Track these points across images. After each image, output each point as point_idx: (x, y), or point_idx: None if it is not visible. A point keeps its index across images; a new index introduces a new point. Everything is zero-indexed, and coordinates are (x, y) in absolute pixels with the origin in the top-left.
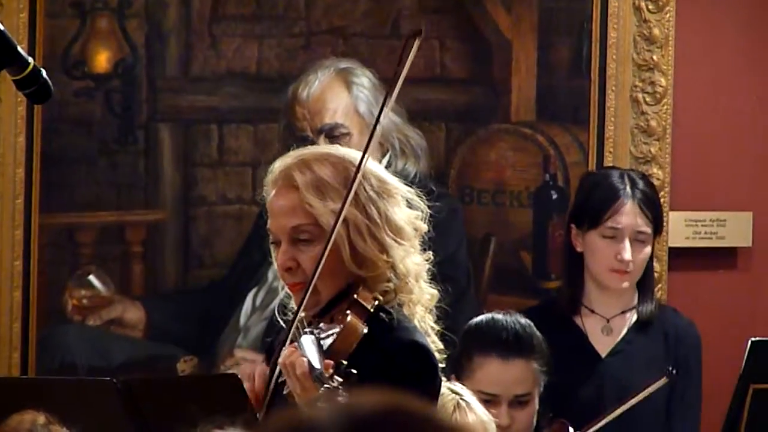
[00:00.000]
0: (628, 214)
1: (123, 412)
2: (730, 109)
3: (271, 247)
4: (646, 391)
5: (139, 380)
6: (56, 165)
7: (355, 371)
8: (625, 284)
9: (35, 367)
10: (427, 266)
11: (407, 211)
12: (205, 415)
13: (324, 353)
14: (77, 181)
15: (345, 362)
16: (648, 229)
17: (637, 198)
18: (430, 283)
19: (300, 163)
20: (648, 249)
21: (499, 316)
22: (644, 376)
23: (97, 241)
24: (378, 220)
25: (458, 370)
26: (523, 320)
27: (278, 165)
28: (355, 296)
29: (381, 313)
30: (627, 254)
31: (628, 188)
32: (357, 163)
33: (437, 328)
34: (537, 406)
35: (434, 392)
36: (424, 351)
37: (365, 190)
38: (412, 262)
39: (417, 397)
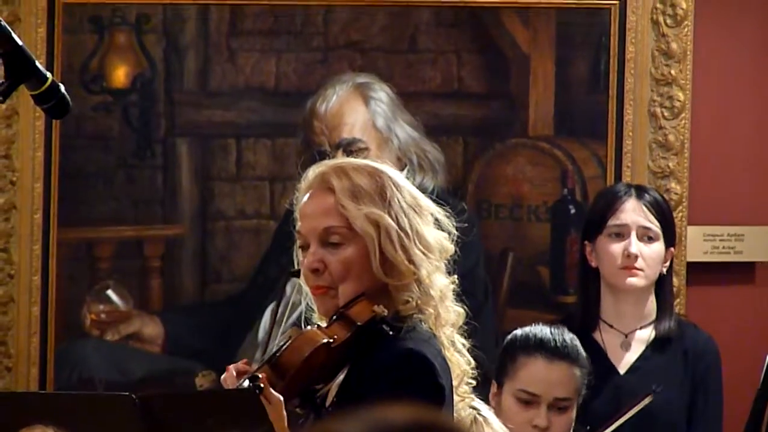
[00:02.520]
0: (631, 211)
1: (141, 426)
2: (748, 124)
3: (299, 252)
4: (631, 411)
5: (157, 395)
6: (74, 179)
7: (261, 386)
8: (636, 281)
9: (53, 382)
10: (453, 287)
11: (436, 231)
12: (223, 429)
13: (272, 363)
14: (95, 195)
15: (260, 375)
16: (655, 227)
17: (642, 198)
18: (455, 302)
19: (337, 169)
20: (658, 247)
21: (546, 325)
22: (662, 394)
23: (116, 256)
24: (408, 231)
25: (500, 371)
26: (570, 334)
27: (313, 171)
28: (342, 309)
29: (384, 326)
30: (633, 247)
31: (632, 190)
32: (392, 175)
33: (467, 344)
34: (574, 418)
35: (429, 399)
36: (418, 358)
37: (398, 201)
38: (439, 280)
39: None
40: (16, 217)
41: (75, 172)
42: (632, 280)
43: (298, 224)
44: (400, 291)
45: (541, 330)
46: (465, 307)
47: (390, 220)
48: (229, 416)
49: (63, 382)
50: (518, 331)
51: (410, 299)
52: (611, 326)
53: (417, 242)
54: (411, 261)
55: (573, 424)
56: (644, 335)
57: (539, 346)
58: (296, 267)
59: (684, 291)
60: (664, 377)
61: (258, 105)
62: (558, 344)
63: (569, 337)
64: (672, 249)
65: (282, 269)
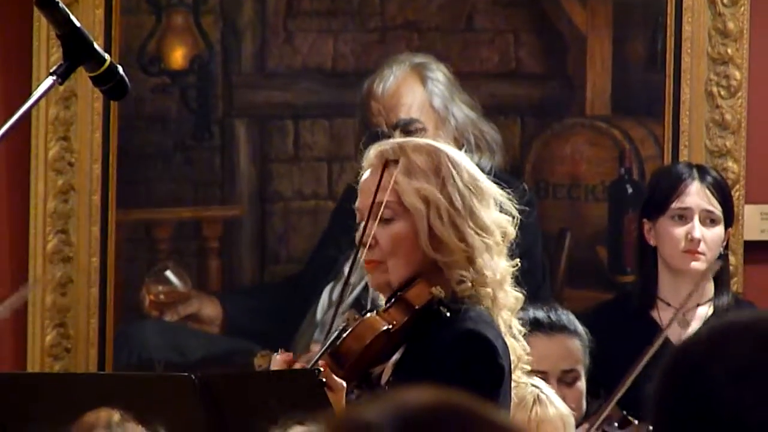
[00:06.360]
0: (695, 194)
1: (201, 407)
2: None
3: (360, 227)
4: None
5: (217, 375)
6: (133, 161)
7: (324, 380)
8: (699, 265)
9: (112, 363)
10: (512, 271)
11: (497, 214)
12: (285, 410)
13: (333, 349)
14: (154, 177)
15: (321, 369)
16: (717, 210)
17: (705, 181)
18: (514, 287)
19: (397, 147)
20: (719, 230)
21: (536, 307)
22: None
23: (174, 237)
24: (461, 210)
25: None
26: (564, 310)
27: (374, 149)
28: (400, 293)
29: (441, 307)
30: (697, 232)
31: (694, 172)
32: (451, 154)
33: (524, 330)
34: (584, 390)
35: (490, 380)
36: (479, 339)
37: (453, 179)
38: (497, 263)
39: (470, 386)
40: (74, 199)
41: (133, 154)
42: (695, 265)
43: (357, 200)
44: (451, 268)
45: (533, 311)
46: (523, 290)
47: (440, 196)
48: (291, 397)
49: (122, 363)
50: None
51: (464, 279)
52: (668, 304)
53: (470, 221)
54: (461, 239)
55: (584, 396)
56: (702, 312)
57: (535, 325)
58: (357, 243)
59: (741, 270)
60: None
61: (315, 86)
62: (553, 319)
63: (563, 312)
64: (729, 229)
65: (340, 250)
